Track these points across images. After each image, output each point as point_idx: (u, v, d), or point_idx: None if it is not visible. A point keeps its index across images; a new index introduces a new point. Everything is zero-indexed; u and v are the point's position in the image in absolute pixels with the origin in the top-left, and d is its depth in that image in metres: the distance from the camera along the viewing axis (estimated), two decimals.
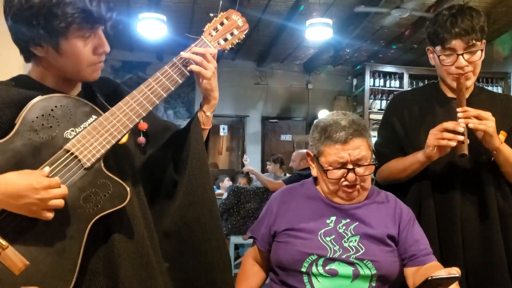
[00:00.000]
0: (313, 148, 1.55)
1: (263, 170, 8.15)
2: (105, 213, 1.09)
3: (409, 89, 6.39)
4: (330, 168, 1.49)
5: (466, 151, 1.49)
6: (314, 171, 1.60)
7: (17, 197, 0.99)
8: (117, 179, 1.11)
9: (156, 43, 6.36)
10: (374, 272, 1.46)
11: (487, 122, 1.51)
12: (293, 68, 8.45)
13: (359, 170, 1.49)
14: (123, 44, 6.97)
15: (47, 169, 1.04)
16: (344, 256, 1.46)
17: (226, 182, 6.15)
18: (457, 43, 1.60)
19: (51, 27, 1.07)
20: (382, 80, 7.12)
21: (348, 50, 7.47)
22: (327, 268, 1.46)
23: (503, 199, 1.63)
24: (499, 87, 6.86)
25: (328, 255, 1.46)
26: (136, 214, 1.18)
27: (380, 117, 6.77)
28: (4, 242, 1.00)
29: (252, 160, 8.26)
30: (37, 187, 0.99)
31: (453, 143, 1.50)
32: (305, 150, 5.91)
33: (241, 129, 8.52)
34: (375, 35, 6.83)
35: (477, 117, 1.52)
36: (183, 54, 1.25)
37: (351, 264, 1.46)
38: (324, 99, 8.45)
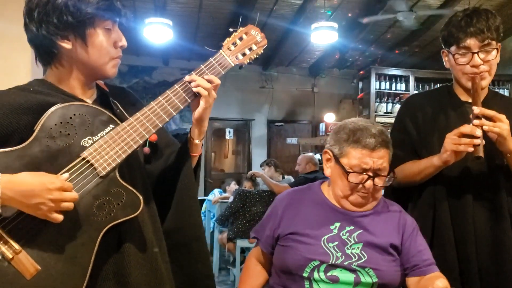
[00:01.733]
0: (335, 147, 1.54)
1: None
2: (117, 221, 1.10)
3: (422, 91, 6.38)
4: (351, 171, 1.49)
5: (481, 153, 1.47)
6: (328, 171, 1.58)
7: (30, 196, 1.00)
8: (130, 188, 1.12)
9: (162, 47, 6.38)
10: (375, 280, 1.46)
11: (501, 124, 1.50)
12: (298, 72, 8.46)
13: (378, 180, 1.50)
14: (130, 49, 6.91)
15: (65, 175, 1.06)
16: (346, 263, 1.46)
17: (233, 186, 6.14)
18: (472, 42, 1.59)
19: (79, 14, 1.12)
20: (388, 83, 7.11)
21: (353, 53, 7.47)
22: (328, 274, 1.46)
23: None
24: (505, 89, 6.84)
25: (331, 261, 1.47)
26: (146, 221, 1.20)
27: (386, 120, 6.78)
28: (17, 247, 1.01)
29: (257, 164, 8.26)
30: (50, 187, 1.01)
31: (471, 149, 1.48)
32: (311, 154, 5.90)
33: (246, 132, 8.53)
34: (380, 38, 6.83)
35: (492, 118, 1.51)
36: (197, 77, 1.26)
37: (352, 271, 1.46)
38: (329, 103, 8.45)
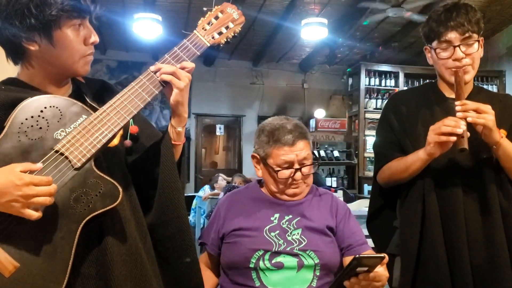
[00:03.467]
0: (260, 150, 1.65)
1: None
2: (96, 213, 1.07)
3: (406, 88, 6.41)
4: (279, 169, 1.59)
5: (466, 145, 1.46)
6: (260, 173, 1.69)
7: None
8: (108, 178, 1.09)
9: (151, 43, 6.35)
10: (317, 261, 1.55)
11: (486, 115, 1.49)
12: (288, 68, 8.45)
13: (304, 169, 1.61)
14: (119, 44, 6.95)
15: (39, 164, 1.03)
16: (288, 249, 1.55)
17: (221, 182, 6.11)
18: (453, 35, 1.59)
19: (43, 16, 1.08)
20: (377, 79, 7.13)
21: (343, 50, 7.48)
22: (273, 261, 1.54)
23: (505, 197, 1.60)
24: (494, 85, 6.87)
25: (274, 249, 1.55)
26: (128, 217, 1.18)
27: (375, 116, 6.80)
28: None
29: (248, 160, 8.22)
30: (18, 183, 0.97)
31: (453, 138, 1.48)
32: None
33: (237, 128, 8.52)
34: (370, 34, 6.83)
35: (476, 111, 1.50)
36: (152, 68, 1.22)
37: (295, 255, 1.55)
38: (319, 99, 8.46)
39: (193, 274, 1.32)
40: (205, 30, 1.28)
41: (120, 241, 1.14)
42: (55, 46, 1.12)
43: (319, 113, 8.17)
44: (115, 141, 1.19)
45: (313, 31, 5.38)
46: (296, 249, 1.56)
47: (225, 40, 1.31)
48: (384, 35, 6.89)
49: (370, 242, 1.81)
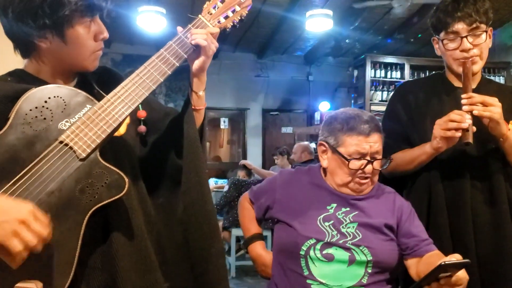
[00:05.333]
0: (330, 138, 1.58)
1: (264, 162, 8.15)
2: (102, 203, 1.06)
3: (415, 78, 6.37)
4: (351, 158, 1.53)
5: (470, 139, 1.46)
6: (325, 163, 1.62)
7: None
8: (114, 168, 1.08)
9: (156, 36, 6.32)
10: (370, 258, 1.50)
11: (492, 108, 1.48)
12: (293, 60, 8.41)
13: (376, 164, 1.55)
14: (124, 38, 6.94)
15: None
16: (341, 241, 1.51)
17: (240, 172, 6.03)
18: (460, 26, 1.58)
19: (56, 16, 1.08)
20: (383, 71, 7.09)
21: (348, 41, 7.43)
22: (324, 252, 1.50)
23: None
24: (501, 77, 6.82)
25: (326, 239, 1.52)
26: (135, 208, 1.17)
27: (381, 108, 6.76)
28: None
29: (253, 153, 8.26)
30: (18, 217, 0.93)
31: (459, 134, 1.48)
32: (306, 143, 5.89)
33: (241, 122, 8.50)
34: (375, 26, 6.78)
35: (483, 103, 1.49)
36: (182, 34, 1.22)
37: (347, 249, 1.50)
38: (325, 91, 8.42)
39: (214, 243, 1.28)
40: (211, 14, 1.26)
41: (126, 232, 1.13)
42: (67, 43, 1.13)
43: (324, 106, 8.14)
44: (121, 131, 1.19)
45: (318, 22, 5.35)
46: (349, 243, 1.51)
47: (232, 24, 1.29)
48: (389, 26, 6.84)
49: None
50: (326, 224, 1.54)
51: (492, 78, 5.71)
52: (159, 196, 1.29)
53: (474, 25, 1.58)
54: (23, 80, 1.15)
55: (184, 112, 1.28)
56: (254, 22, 6.28)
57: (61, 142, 1.06)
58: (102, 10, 1.16)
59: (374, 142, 1.54)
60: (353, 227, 1.53)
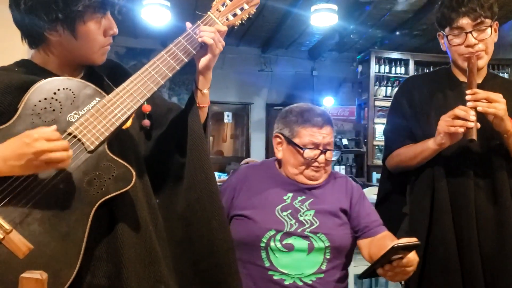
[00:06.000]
0: (285, 130, 1.67)
1: (268, 157, 8.14)
2: (109, 196, 1.08)
3: (420, 73, 6.35)
4: (305, 148, 1.62)
5: (474, 136, 1.46)
6: (280, 154, 1.70)
7: (16, 158, 0.98)
8: (121, 161, 1.10)
9: (160, 29, 6.32)
10: (327, 244, 1.57)
11: (497, 104, 1.48)
12: (298, 55, 8.39)
13: (328, 154, 1.65)
14: (128, 31, 6.93)
15: (53, 126, 1.03)
16: (299, 230, 1.57)
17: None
18: (464, 21, 1.58)
19: (69, 11, 1.09)
20: (387, 67, 7.06)
21: (353, 37, 7.40)
22: (284, 242, 1.55)
23: None
24: (505, 73, 6.80)
25: (285, 229, 1.57)
26: (140, 199, 1.18)
27: (385, 104, 6.75)
28: (7, 226, 1.00)
29: (256, 148, 8.25)
30: (27, 141, 0.97)
31: (462, 130, 1.48)
32: None
33: (245, 116, 8.49)
34: (380, 21, 6.75)
35: (487, 99, 1.49)
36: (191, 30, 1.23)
37: (305, 237, 1.56)
38: (329, 86, 8.40)
39: (225, 238, 1.29)
40: (220, 11, 1.27)
41: (131, 224, 1.15)
42: (77, 38, 1.14)
43: (328, 101, 8.12)
44: (128, 123, 1.19)
45: (323, 17, 5.32)
46: (307, 231, 1.57)
47: (239, 22, 1.30)
48: (394, 21, 6.81)
49: None
50: (284, 214, 1.59)
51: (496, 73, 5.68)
52: (159, 191, 1.29)
53: (479, 20, 1.57)
54: (30, 71, 1.16)
55: (189, 108, 1.29)
56: (259, 16, 6.26)
57: (69, 134, 1.07)
58: (114, 7, 1.17)
59: (327, 134, 1.63)
60: (310, 214, 1.60)
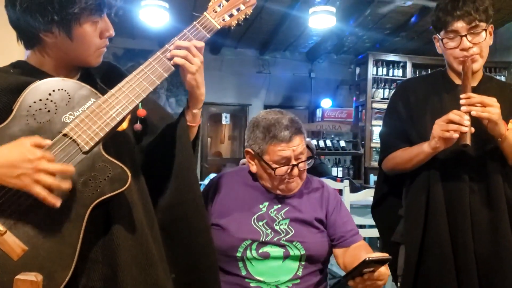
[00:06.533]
0: (255, 146, 1.61)
1: None
2: (105, 197, 1.07)
3: (416, 76, 6.35)
4: (276, 166, 1.57)
5: (468, 141, 1.46)
6: (254, 168, 1.65)
7: (11, 167, 0.97)
8: (117, 162, 1.09)
9: (158, 31, 6.31)
10: (303, 252, 1.57)
11: (491, 109, 1.48)
12: (295, 57, 8.40)
13: (301, 165, 1.60)
14: (126, 32, 6.93)
15: (48, 141, 1.03)
16: (275, 239, 1.57)
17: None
18: (459, 25, 1.58)
19: (65, 13, 1.08)
20: (385, 69, 7.07)
21: (351, 39, 7.42)
22: (260, 251, 1.55)
23: (510, 188, 1.60)
24: (502, 76, 6.81)
25: (261, 239, 1.56)
26: (135, 202, 1.17)
27: (382, 106, 6.75)
28: (1, 228, 0.99)
29: None
30: (31, 157, 0.98)
31: (457, 135, 1.48)
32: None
33: (243, 117, 8.49)
34: (378, 24, 6.77)
35: (481, 104, 1.49)
36: (167, 46, 1.21)
37: (281, 246, 1.56)
38: (326, 88, 8.41)
39: (208, 254, 1.31)
40: (216, 12, 1.26)
41: (127, 226, 1.14)
42: (73, 40, 1.13)
43: (326, 103, 8.13)
44: (124, 125, 1.19)
45: (321, 19, 5.33)
46: (283, 240, 1.57)
47: (236, 22, 1.29)
48: (392, 24, 6.83)
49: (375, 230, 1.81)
50: (260, 223, 1.59)
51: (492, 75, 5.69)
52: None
53: (474, 24, 1.57)
54: (26, 72, 1.16)
55: (179, 125, 1.27)
56: (257, 18, 6.27)
57: (64, 135, 1.07)
58: (111, 9, 1.17)
59: (297, 145, 1.57)
60: (286, 223, 1.60)
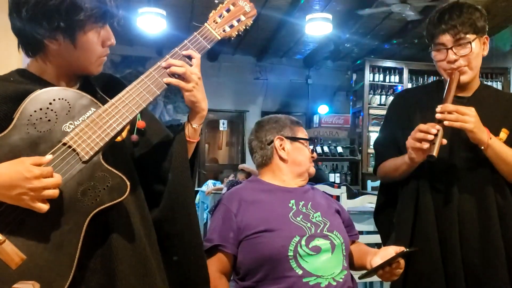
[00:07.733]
0: (285, 131, 1.75)
1: None
2: (104, 206, 1.07)
3: (413, 86, 6.38)
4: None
5: (435, 153, 1.45)
6: (284, 154, 1.72)
7: (9, 188, 0.98)
8: (116, 172, 1.09)
9: (155, 38, 6.34)
10: (342, 240, 1.62)
11: (465, 117, 1.48)
12: (293, 63, 8.43)
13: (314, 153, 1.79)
14: (123, 39, 6.94)
15: (48, 157, 1.03)
16: (318, 231, 1.59)
17: (231, 178, 6.09)
18: (445, 38, 1.60)
19: (71, 20, 1.09)
20: (381, 75, 7.10)
21: (347, 45, 7.45)
22: (310, 246, 1.54)
23: (501, 196, 1.59)
24: (498, 82, 6.84)
25: (308, 233, 1.57)
26: (133, 212, 1.17)
27: (379, 112, 6.78)
28: (0, 237, 0.99)
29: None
30: (28, 176, 0.98)
31: (427, 145, 1.47)
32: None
33: (241, 124, 8.51)
34: (375, 30, 6.81)
35: (456, 112, 1.49)
36: (162, 64, 1.20)
37: (325, 237, 1.58)
38: (323, 94, 8.44)
39: (200, 270, 1.30)
40: (216, 23, 1.27)
41: (125, 235, 1.14)
42: (76, 47, 1.14)
43: (323, 109, 8.15)
44: (123, 135, 1.19)
45: (318, 26, 5.36)
46: (324, 231, 1.60)
47: (236, 33, 1.30)
48: (389, 31, 6.87)
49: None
50: (298, 219, 1.60)
51: (489, 83, 5.73)
52: None
53: (458, 36, 1.58)
54: (26, 81, 1.16)
55: (177, 141, 1.26)
56: (254, 25, 6.24)
57: (64, 144, 1.07)
58: (114, 18, 1.17)
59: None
60: (319, 215, 1.64)
